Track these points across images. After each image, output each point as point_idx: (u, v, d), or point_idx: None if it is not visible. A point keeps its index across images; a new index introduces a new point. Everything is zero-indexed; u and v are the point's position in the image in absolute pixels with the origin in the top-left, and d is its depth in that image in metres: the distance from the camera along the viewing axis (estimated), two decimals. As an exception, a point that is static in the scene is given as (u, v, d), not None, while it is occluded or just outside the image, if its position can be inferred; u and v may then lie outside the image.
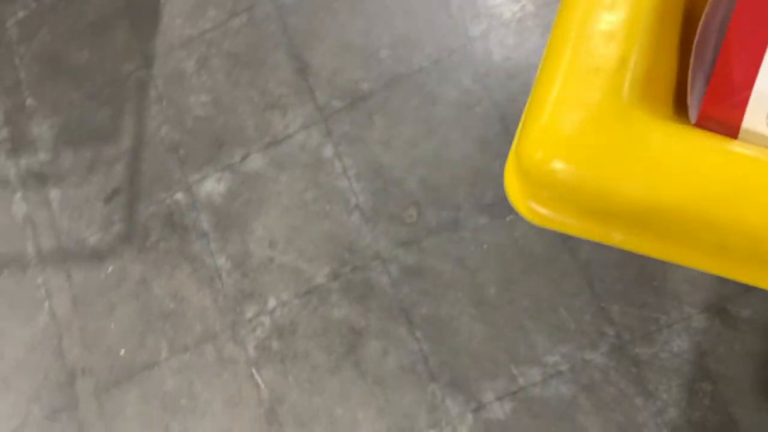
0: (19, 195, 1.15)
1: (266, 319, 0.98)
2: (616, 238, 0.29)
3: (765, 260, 0.27)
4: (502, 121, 0.93)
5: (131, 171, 1.09)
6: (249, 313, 0.99)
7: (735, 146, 0.27)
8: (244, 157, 1.02)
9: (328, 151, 0.99)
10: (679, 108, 0.31)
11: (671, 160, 0.25)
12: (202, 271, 1.03)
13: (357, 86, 0.99)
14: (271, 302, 0.99)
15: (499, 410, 0.89)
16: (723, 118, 0.27)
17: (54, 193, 1.13)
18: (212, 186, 1.04)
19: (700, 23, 0.29)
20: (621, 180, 0.25)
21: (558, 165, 0.26)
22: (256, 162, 1.02)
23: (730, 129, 0.27)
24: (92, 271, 1.08)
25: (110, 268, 1.07)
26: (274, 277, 0.99)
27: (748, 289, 0.83)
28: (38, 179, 1.14)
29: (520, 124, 0.29)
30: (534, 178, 0.27)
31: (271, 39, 1.04)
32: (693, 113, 0.28)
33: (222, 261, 1.02)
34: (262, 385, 0.97)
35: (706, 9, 0.28)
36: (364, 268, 0.95)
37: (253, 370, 0.98)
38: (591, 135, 0.26)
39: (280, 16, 1.04)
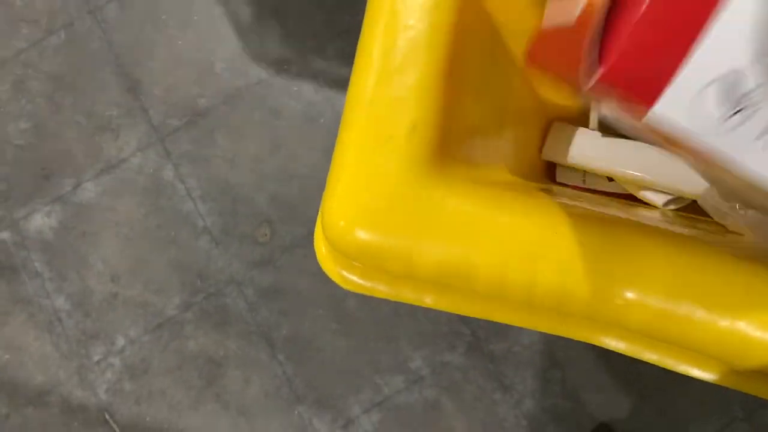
0: None
1: (116, 360, 0.91)
2: (428, 300, 0.29)
3: (565, 313, 0.27)
4: (347, 131, 0.92)
5: (-55, 211, 0.97)
6: (96, 355, 0.91)
7: (532, 201, 0.26)
8: (75, 187, 0.94)
9: (168, 173, 0.93)
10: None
11: (466, 223, 0.25)
12: (39, 316, 0.93)
13: (194, 102, 0.94)
14: (120, 341, 0.91)
15: (367, 423, 0.88)
16: (642, 75, 0.18)
17: None
18: (42, 221, 0.94)
19: None
20: (421, 246, 0.26)
21: (361, 234, 0.25)
22: (89, 191, 0.94)
23: (646, 95, 0.19)
24: None
25: (-74, 324, 0.94)
26: (120, 314, 0.92)
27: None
28: None
29: (324, 193, 0.28)
30: (339, 246, 0.27)
31: (95, 57, 0.96)
32: (593, 70, 0.21)
33: (60, 302, 0.93)
34: (118, 430, 0.90)
35: None
36: (218, 295, 0.91)
37: (107, 416, 0.91)
38: (389, 203, 0.26)
39: (104, 31, 0.96)
